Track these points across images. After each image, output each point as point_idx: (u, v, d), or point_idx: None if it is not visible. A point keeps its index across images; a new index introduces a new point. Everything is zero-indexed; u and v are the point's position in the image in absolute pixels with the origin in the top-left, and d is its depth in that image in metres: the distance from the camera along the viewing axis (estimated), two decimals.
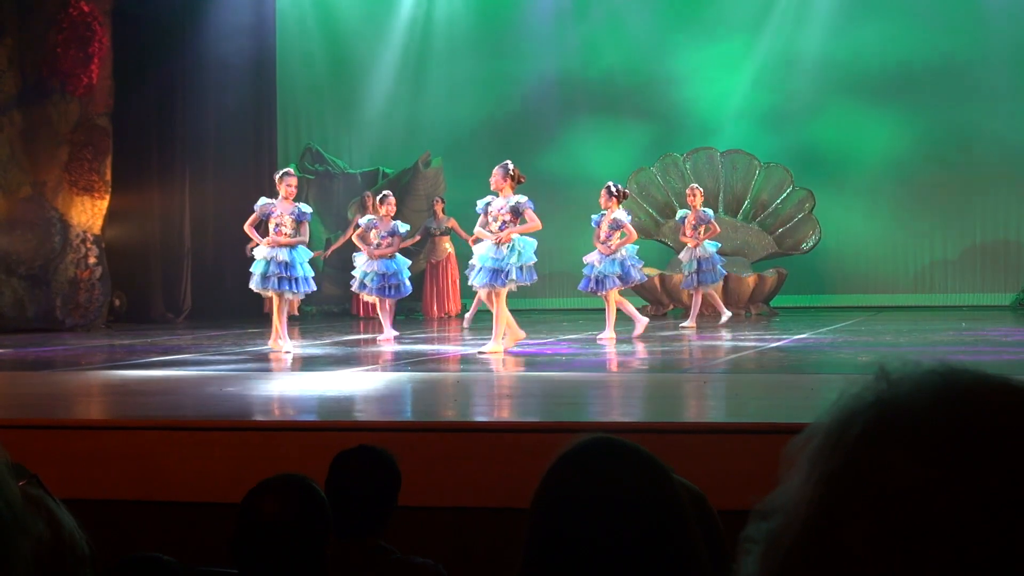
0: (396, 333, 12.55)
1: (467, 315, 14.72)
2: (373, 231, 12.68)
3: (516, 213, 10.32)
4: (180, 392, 7.40)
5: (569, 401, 6.99)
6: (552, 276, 17.23)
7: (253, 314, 15.71)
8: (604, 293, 12.07)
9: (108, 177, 14.76)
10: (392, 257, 12.62)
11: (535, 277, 10.50)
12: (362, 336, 13.38)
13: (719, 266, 13.98)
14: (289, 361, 9.96)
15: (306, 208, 11.11)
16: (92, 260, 14.67)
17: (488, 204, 10.45)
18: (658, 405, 7.02)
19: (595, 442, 1.68)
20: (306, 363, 9.80)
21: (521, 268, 10.27)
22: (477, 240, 10.92)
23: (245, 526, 2.79)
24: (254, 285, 11.03)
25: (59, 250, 14.54)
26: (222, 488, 4.99)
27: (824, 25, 17.75)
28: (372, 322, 15.21)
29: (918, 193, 17.50)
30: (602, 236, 12.20)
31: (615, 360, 10.03)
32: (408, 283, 12.84)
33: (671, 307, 16.03)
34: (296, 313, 16.34)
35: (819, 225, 16.56)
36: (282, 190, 10.99)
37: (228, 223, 15.76)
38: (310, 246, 11.45)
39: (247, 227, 11.14)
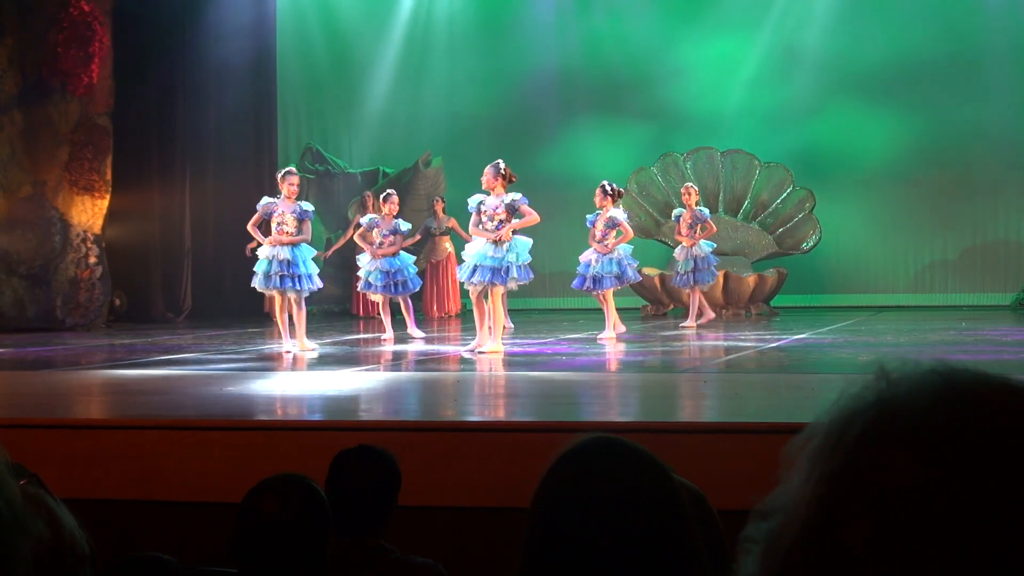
0: (422, 334, 12.49)
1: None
2: (375, 230, 12.67)
3: (512, 211, 10.29)
4: (180, 392, 7.39)
5: (569, 401, 6.99)
6: (552, 276, 17.21)
7: (253, 314, 15.72)
8: (601, 293, 12.05)
9: (108, 177, 14.76)
10: (395, 255, 12.61)
11: (532, 275, 10.49)
12: (362, 336, 13.38)
13: (713, 266, 13.96)
14: (290, 361, 9.96)
15: (308, 206, 11.09)
16: (92, 260, 14.67)
17: (481, 203, 10.38)
18: (658, 405, 7.02)
19: (595, 442, 1.68)
20: (306, 363, 9.80)
21: (519, 266, 10.26)
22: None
23: (245, 526, 2.79)
24: (257, 284, 11.01)
25: (59, 250, 14.54)
26: (222, 488, 4.98)
27: (825, 25, 17.74)
28: (373, 321, 15.22)
29: (918, 193, 17.48)
30: (598, 235, 12.18)
31: (615, 360, 10.03)
32: (417, 277, 12.80)
33: (671, 307, 16.01)
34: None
35: (819, 225, 16.54)
36: (284, 189, 10.98)
37: (228, 223, 15.75)
38: (311, 246, 11.44)
39: (250, 227, 11.14)
